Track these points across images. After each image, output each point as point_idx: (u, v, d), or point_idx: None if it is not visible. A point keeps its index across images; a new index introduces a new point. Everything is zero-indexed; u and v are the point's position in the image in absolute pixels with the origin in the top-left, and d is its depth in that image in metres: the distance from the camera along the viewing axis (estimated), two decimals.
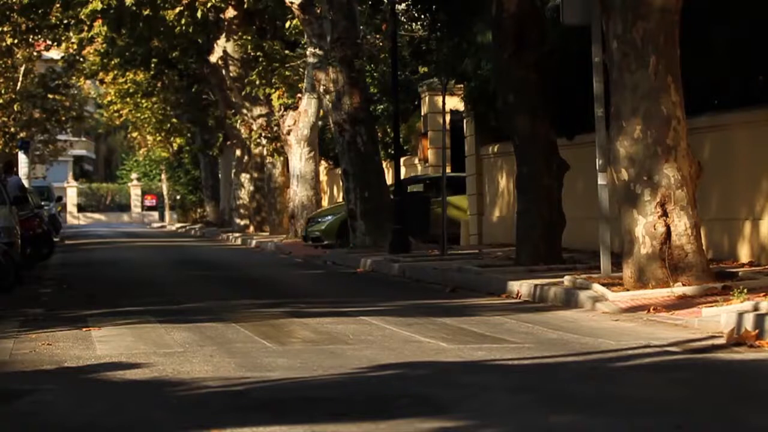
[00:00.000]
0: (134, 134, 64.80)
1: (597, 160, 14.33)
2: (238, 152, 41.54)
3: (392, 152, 28.07)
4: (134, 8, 29.42)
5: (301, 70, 32.86)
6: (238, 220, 40.17)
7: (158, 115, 52.00)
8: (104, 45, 35.80)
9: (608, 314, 11.79)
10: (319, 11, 25.66)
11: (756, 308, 10.04)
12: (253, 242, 32.56)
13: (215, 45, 34.69)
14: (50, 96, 50.42)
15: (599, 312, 12.04)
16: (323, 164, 40.00)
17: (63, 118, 53.42)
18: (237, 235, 37.25)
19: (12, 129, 50.05)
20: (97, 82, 51.56)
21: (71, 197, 74.00)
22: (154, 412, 6.77)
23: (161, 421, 6.47)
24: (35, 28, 34.36)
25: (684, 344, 9.38)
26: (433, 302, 13.74)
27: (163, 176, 68.32)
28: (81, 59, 42.84)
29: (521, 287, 14.17)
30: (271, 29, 34.47)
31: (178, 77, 41.71)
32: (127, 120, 57.26)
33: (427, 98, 28.44)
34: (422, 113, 29.33)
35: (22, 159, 46.12)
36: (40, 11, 31.47)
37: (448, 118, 24.59)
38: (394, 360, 8.61)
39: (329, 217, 28.25)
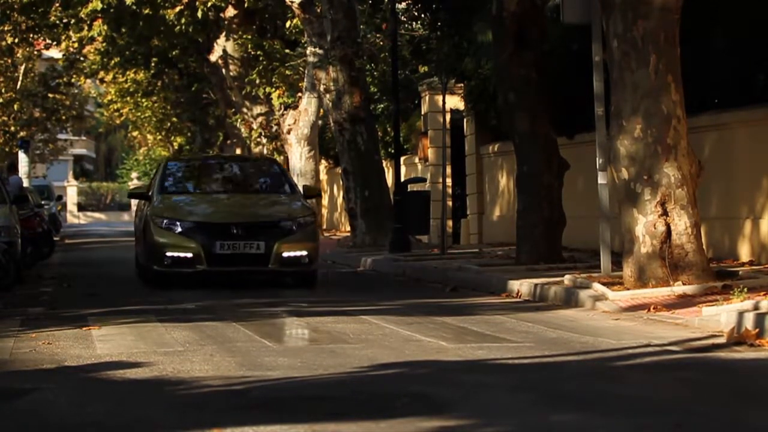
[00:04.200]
0: (134, 133, 64.86)
1: (597, 159, 14.34)
2: (238, 151, 41.53)
3: (392, 151, 28.07)
4: (134, 7, 29.42)
5: (301, 69, 32.86)
6: None
7: (158, 114, 52.04)
8: (104, 44, 35.81)
9: (608, 313, 11.80)
10: (319, 10, 25.66)
11: (756, 307, 10.04)
12: None
13: (215, 44, 34.70)
14: (50, 95, 50.44)
15: (599, 311, 12.04)
16: (323, 163, 40.00)
17: (63, 117, 53.44)
18: None
19: (12, 128, 50.06)
20: (98, 81, 51.55)
21: (71, 196, 74.01)
22: (154, 411, 6.77)
23: (161, 420, 6.47)
24: (35, 27, 34.36)
25: (684, 343, 9.38)
26: (434, 301, 13.74)
27: None
28: (81, 58, 42.86)
29: (521, 286, 14.17)
30: (271, 28, 34.47)
31: (178, 76, 41.72)
32: (127, 119, 57.30)
33: (427, 97, 28.43)
34: (422, 112, 29.32)
35: (23, 158, 46.10)
36: (40, 10, 31.46)
37: (448, 117, 24.58)
38: (394, 359, 8.61)
39: None
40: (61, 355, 9.14)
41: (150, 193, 17.22)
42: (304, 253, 15.87)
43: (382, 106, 34.46)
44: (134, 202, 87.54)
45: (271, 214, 16.38)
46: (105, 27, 31.26)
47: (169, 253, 15.78)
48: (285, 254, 15.76)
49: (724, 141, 16.27)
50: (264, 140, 35.11)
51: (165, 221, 16.03)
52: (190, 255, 15.70)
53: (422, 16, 25.02)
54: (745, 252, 15.73)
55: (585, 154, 18.22)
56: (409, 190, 24.68)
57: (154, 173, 19.21)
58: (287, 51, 33.71)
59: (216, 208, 16.63)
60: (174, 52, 36.73)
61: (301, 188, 18.37)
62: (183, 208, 16.53)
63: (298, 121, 32.13)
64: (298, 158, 32.12)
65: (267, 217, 16.27)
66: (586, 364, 8.50)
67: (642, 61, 12.72)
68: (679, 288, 12.18)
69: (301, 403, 6.93)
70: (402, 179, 24.57)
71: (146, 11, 30.00)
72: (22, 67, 49.86)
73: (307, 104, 32.06)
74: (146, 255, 16.41)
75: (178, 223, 15.96)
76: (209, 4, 31.11)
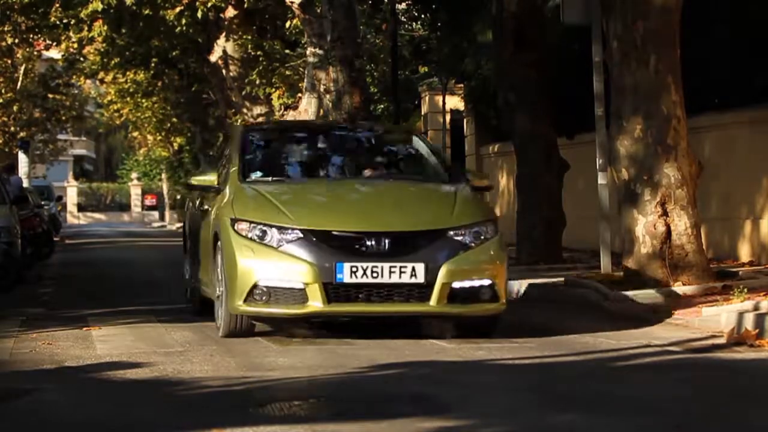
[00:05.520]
0: (134, 134, 64.85)
1: (597, 159, 14.34)
2: None
3: None
4: (134, 8, 29.43)
5: (301, 69, 32.86)
6: None
7: (158, 114, 52.02)
8: (104, 45, 35.81)
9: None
10: (319, 11, 25.66)
11: (756, 308, 10.05)
12: None
13: (215, 44, 34.70)
14: (50, 95, 50.43)
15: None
16: None
17: (63, 118, 53.44)
18: None
19: (12, 128, 50.06)
20: (97, 82, 51.57)
21: (71, 197, 74.02)
22: (154, 411, 6.76)
23: (161, 421, 6.47)
24: (35, 28, 34.37)
25: (684, 344, 9.38)
26: None
27: (164, 176, 68.35)
28: (81, 59, 42.86)
29: (521, 286, 14.16)
30: (271, 29, 34.47)
31: (178, 77, 41.70)
32: (127, 119, 57.29)
33: (427, 98, 28.44)
34: (422, 113, 29.34)
35: (23, 158, 46.08)
36: (40, 11, 31.47)
37: (448, 117, 24.61)
38: (394, 360, 8.60)
39: None
40: (61, 356, 9.14)
41: (219, 182, 10.99)
42: (487, 282, 9.81)
43: (382, 106, 34.47)
44: (135, 203, 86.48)
45: (430, 218, 10.04)
46: (105, 27, 31.25)
47: (263, 282, 9.71)
48: (457, 284, 9.69)
49: (724, 141, 16.26)
50: None
51: (254, 227, 9.85)
52: (298, 285, 9.63)
53: (422, 16, 25.07)
54: (745, 252, 15.73)
55: (585, 154, 18.21)
56: None
57: (219, 150, 12.53)
58: (287, 51, 33.72)
59: (336, 206, 10.37)
60: (174, 53, 36.73)
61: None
62: (281, 207, 10.04)
63: None
64: None
65: (425, 221, 9.94)
66: (586, 364, 8.50)
67: (642, 61, 12.72)
68: (679, 288, 12.17)
69: (301, 403, 6.93)
70: None
71: (146, 12, 30.00)
72: (22, 68, 49.85)
73: (307, 105, 32.02)
74: (218, 283, 10.34)
75: (275, 231, 9.78)
76: (209, 4, 31.12)
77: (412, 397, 6.97)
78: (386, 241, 9.64)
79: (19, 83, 49.75)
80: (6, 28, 35.42)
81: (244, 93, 34.63)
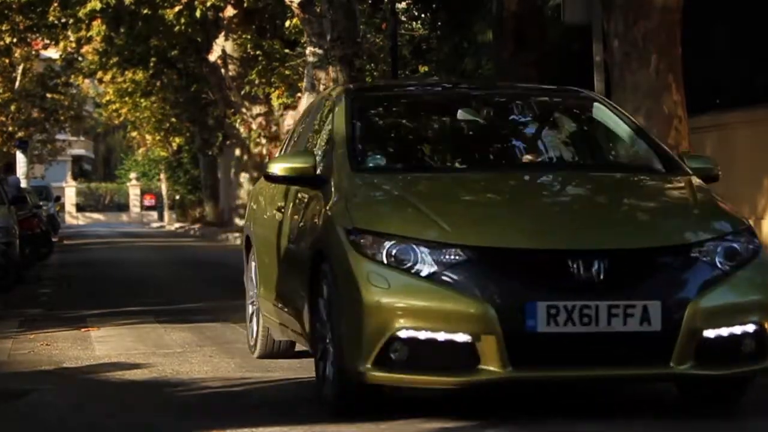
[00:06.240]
0: (133, 134, 64.86)
1: None
2: (237, 152, 41.52)
3: None
4: (133, 7, 29.42)
5: (300, 69, 32.85)
6: (237, 220, 40.16)
7: (157, 114, 52.02)
8: (103, 44, 35.81)
9: None
10: (318, 10, 25.65)
11: None
12: None
13: (214, 44, 34.70)
14: (49, 95, 50.44)
15: None
16: None
17: (62, 118, 53.45)
18: (237, 235, 37.21)
19: (10, 128, 50.06)
20: (96, 81, 51.56)
21: (70, 197, 74.04)
22: (153, 412, 6.74)
23: (160, 422, 6.44)
24: (33, 27, 34.37)
25: None
26: None
27: (162, 176, 68.37)
28: (79, 58, 42.86)
29: None
30: (270, 28, 34.47)
31: (177, 76, 41.71)
32: (126, 119, 57.30)
33: None
34: None
35: (21, 159, 46.12)
36: (38, 10, 31.46)
37: None
38: None
39: None
40: (59, 357, 9.11)
41: (318, 172, 7.16)
42: (751, 327, 6.27)
43: None
44: (134, 203, 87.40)
45: (660, 228, 6.50)
46: (104, 27, 31.26)
47: (405, 333, 6.07)
48: (710, 332, 6.18)
49: (726, 141, 16.24)
50: (263, 140, 35.12)
51: (388, 244, 6.19)
52: (464, 337, 6.03)
53: (422, 16, 25.05)
54: None
55: None
56: None
57: (298, 124, 9.01)
58: (287, 51, 33.71)
59: (514, 211, 6.60)
60: (173, 52, 36.74)
61: None
62: (428, 212, 6.42)
63: None
64: None
65: (654, 234, 6.40)
66: None
67: (643, 61, 12.69)
68: None
69: (300, 403, 6.90)
70: None
71: (145, 11, 30.00)
72: (20, 67, 49.85)
73: (307, 104, 32.03)
74: (326, 330, 6.64)
75: (423, 250, 6.15)
76: (208, 3, 31.11)
77: (411, 397, 6.94)
78: (600, 265, 6.07)
79: (17, 83, 49.76)
80: (4, 28, 35.40)
81: (243, 93, 34.63)
